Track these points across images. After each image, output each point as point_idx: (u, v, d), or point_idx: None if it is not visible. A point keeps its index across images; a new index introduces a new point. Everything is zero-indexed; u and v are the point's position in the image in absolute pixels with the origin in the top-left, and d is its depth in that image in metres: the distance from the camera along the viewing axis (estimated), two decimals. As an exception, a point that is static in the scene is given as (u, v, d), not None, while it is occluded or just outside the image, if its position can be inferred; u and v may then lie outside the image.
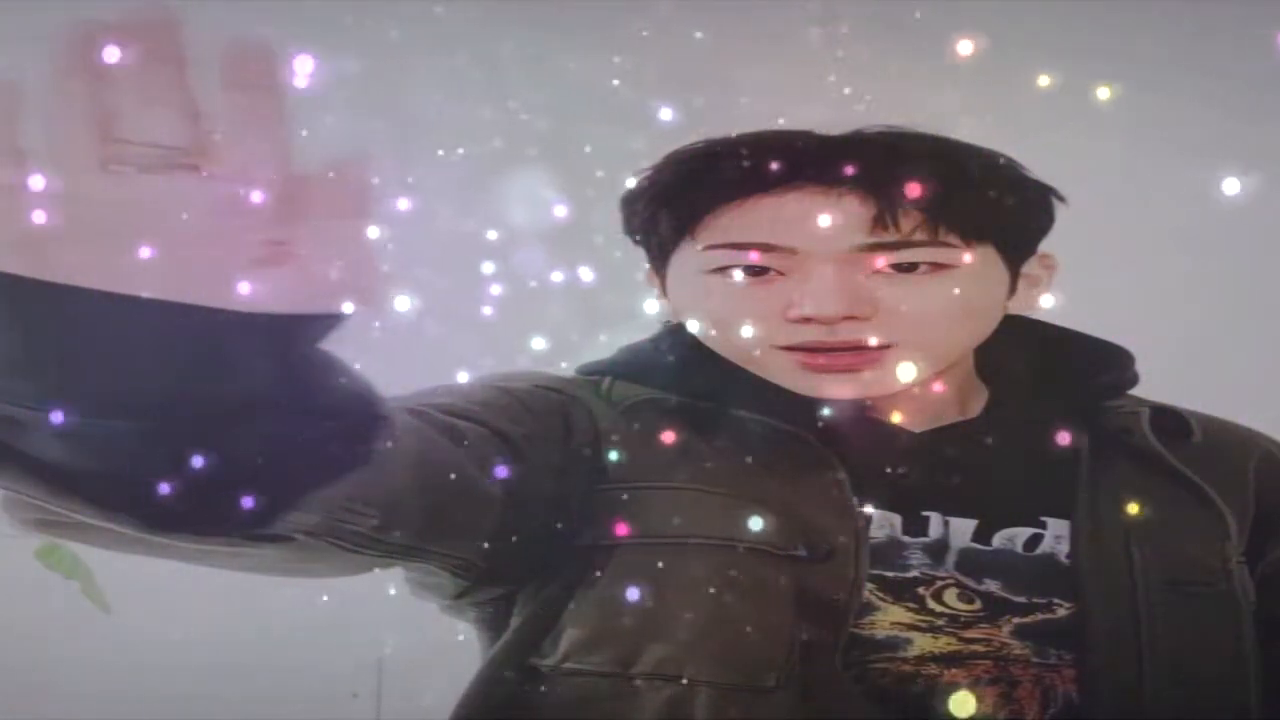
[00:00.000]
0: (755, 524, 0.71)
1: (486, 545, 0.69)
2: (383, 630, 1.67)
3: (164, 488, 0.46)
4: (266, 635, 1.76)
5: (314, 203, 0.41)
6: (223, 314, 0.41)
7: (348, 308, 0.44)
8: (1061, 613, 0.73)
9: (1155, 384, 0.84)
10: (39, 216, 0.39)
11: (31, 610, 1.65)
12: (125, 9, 0.38)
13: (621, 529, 0.73)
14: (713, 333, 0.79)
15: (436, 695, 0.78)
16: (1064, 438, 0.76)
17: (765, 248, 0.75)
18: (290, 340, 0.44)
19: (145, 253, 0.39)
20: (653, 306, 0.86)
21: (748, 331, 0.76)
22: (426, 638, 1.04)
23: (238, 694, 1.75)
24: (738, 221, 0.75)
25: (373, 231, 0.42)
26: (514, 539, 0.70)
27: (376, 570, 0.65)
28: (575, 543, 0.74)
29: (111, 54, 0.37)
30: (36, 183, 0.39)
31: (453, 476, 0.65)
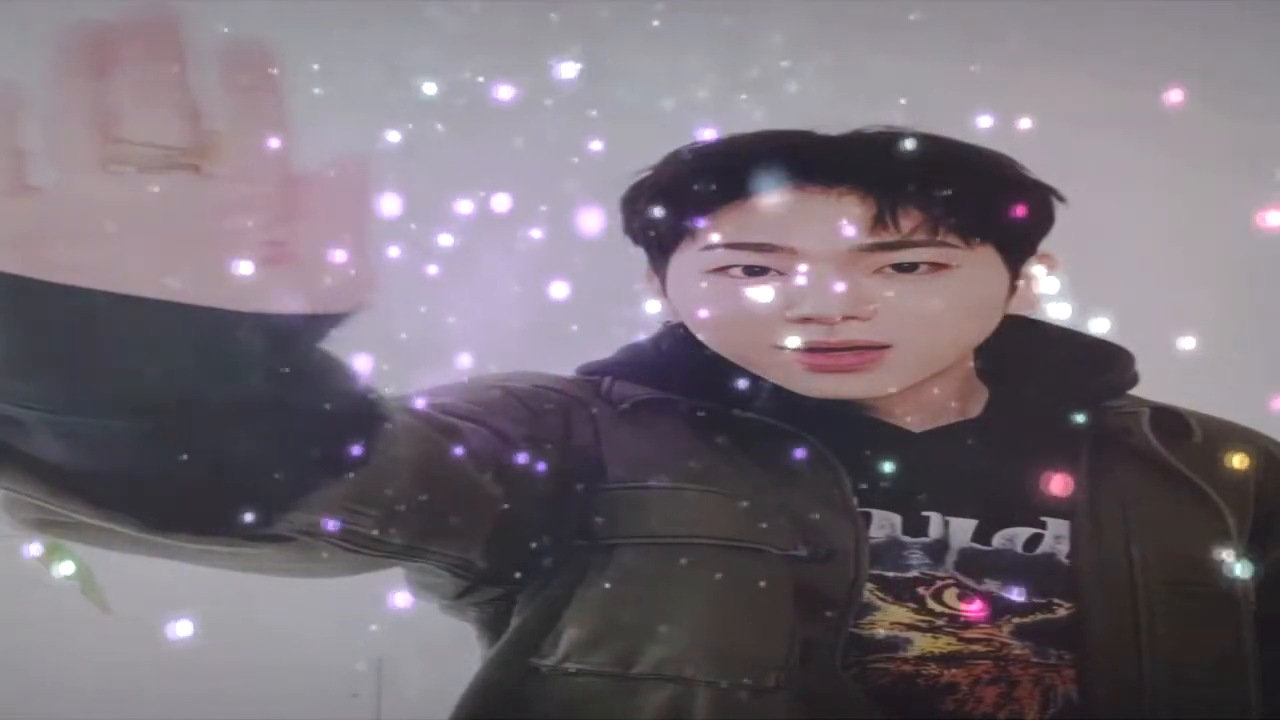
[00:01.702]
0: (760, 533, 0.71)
1: (486, 545, 0.69)
2: (383, 630, 1.66)
3: (164, 488, 0.46)
4: (266, 635, 1.76)
5: (314, 203, 0.41)
6: (223, 314, 0.41)
7: (347, 308, 0.44)
8: (1061, 613, 0.73)
9: (1155, 384, 0.84)
10: (40, 217, 0.39)
11: (31, 610, 1.65)
12: (125, 9, 0.38)
13: (621, 529, 0.73)
14: (713, 333, 0.79)
15: (436, 695, 0.78)
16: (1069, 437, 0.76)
17: (765, 248, 0.75)
18: (290, 340, 0.44)
19: (147, 253, 0.39)
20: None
21: (748, 331, 0.76)
22: (426, 638, 1.04)
23: (238, 694, 1.75)
24: (737, 221, 0.75)
25: (369, 231, 0.42)
26: (514, 539, 0.70)
27: (376, 570, 0.65)
28: (575, 543, 0.74)
29: (111, 54, 0.37)
30: (36, 182, 0.39)
31: (452, 477, 0.65)
